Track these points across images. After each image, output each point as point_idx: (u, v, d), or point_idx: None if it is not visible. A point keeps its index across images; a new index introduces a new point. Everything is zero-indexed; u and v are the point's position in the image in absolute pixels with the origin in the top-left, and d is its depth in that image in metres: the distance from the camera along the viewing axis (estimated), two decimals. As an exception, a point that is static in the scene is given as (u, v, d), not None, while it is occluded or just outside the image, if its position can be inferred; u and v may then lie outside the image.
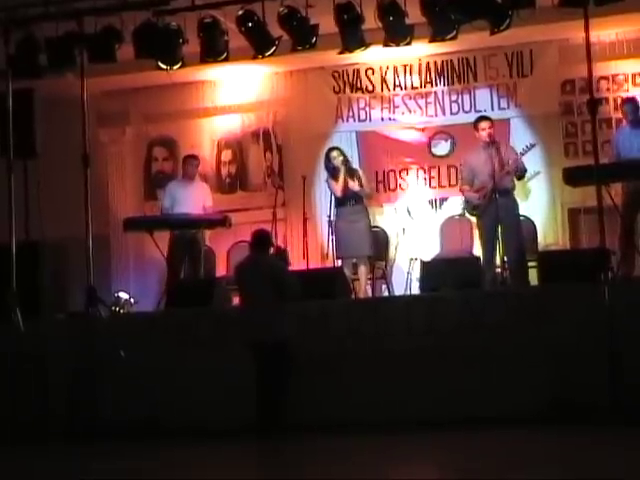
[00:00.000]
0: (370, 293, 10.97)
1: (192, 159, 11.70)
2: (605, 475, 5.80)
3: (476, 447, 7.40)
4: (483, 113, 11.35)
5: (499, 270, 10.02)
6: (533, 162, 11.47)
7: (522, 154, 10.22)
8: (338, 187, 10.75)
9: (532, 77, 12.16)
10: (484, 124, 10.24)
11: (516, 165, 10.07)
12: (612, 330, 8.08)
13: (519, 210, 10.42)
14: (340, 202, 10.79)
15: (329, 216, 11.00)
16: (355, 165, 11.37)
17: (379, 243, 11.59)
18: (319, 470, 6.79)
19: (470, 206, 10.34)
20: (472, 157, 10.33)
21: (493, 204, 9.94)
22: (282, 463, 7.49)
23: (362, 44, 9.92)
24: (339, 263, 10.80)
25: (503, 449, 7.22)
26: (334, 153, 10.94)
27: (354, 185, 10.74)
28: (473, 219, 11.24)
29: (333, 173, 10.84)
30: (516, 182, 10.31)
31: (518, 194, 10.58)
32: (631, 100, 10.51)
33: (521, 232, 10.31)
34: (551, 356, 8.35)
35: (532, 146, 10.41)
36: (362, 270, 10.74)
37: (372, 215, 11.31)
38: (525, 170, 10.30)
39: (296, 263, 11.38)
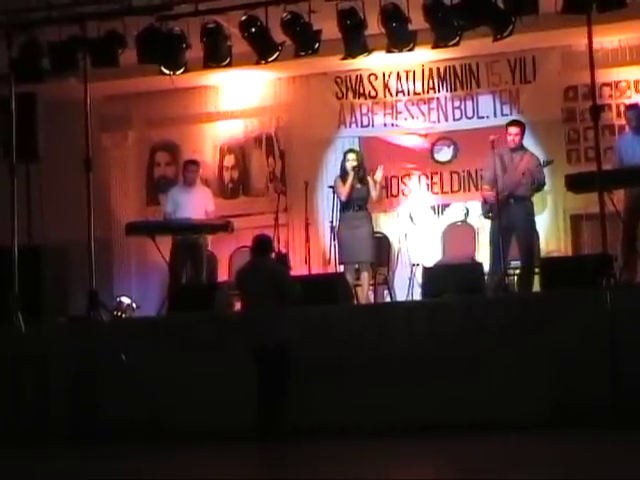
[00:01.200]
0: (372, 299, 10.96)
1: (190, 165, 11.68)
2: (606, 478, 5.80)
3: (478, 452, 7.40)
4: (492, 119, 11.35)
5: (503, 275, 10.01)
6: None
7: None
8: (344, 190, 10.71)
9: (535, 83, 12.16)
10: (512, 129, 10.23)
11: (533, 177, 10.04)
12: (614, 336, 8.07)
13: (534, 219, 10.39)
14: (344, 207, 10.77)
15: (331, 222, 11.00)
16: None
17: (381, 249, 11.58)
18: (319, 473, 6.79)
19: (485, 210, 10.31)
20: (495, 159, 10.25)
21: (506, 210, 9.93)
22: (282, 466, 7.49)
23: (365, 50, 9.93)
24: (341, 269, 10.79)
25: (505, 453, 7.22)
26: (350, 156, 10.89)
27: (361, 188, 10.70)
28: (475, 225, 11.26)
29: (343, 175, 10.81)
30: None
31: (536, 203, 10.54)
32: (635, 106, 10.49)
33: (532, 241, 10.29)
34: (553, 361, 8.34)
35: (549, 163, 10.41)
36: (364, 276, 10.71)
37: (375, 221, 11.30)
38: (543, 183, 10.31)
39: (298, 268, 11.39)
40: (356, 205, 10.74)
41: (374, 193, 10.80)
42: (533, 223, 10.41)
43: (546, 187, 11.55)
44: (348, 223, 10.72)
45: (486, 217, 10.43)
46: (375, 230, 11.64)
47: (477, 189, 11.67)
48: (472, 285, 9.29)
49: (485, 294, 9.43)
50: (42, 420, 9.09)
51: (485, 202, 10.35)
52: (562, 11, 9.01)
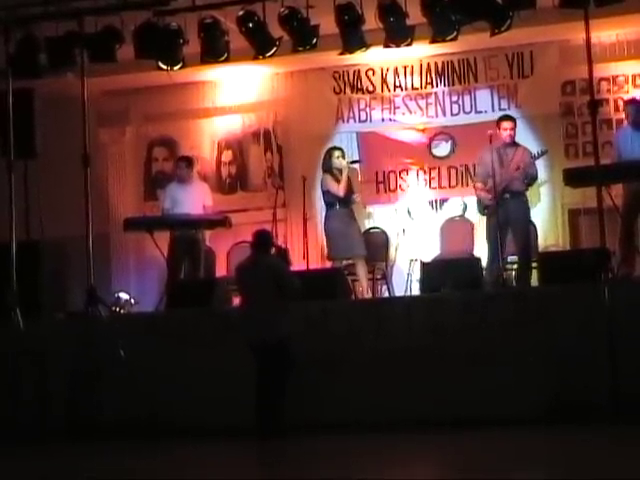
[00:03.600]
0: (370, 294, 10.96)
1: (180, 161, 11.64)
2: (606, 475, 5.80)
3: (478, 447, 7.41)
4: (490, 114, 11.37)
5: (501, 271, 10.02)
6: (540, 169, 11.44)
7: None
8: (340, 187, 10.75)
9: (532, 78, 12.15)
10: (507, 124, 10.22)
11: (527, 171, 10.06)
12: (612, 330, 8.08)
13: (530, 213, 10.40)
14: (332, 203, 10.80)
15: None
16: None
17: (379, 244, 11.60)
18: (319, 470, 6.79)
19: (482, 205, 10.32)
20: (488, 155, 10.26)
21: (502, 205, 9.94)
22: (282, 463, 7.50)
23: (363, 45, 9.92)
24: (331, 264, 10.83)
25: (504, 449, 7.22)
26: (337, 153, 10.95)
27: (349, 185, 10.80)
28: (473, 220, 11.27)
29: (334, 173, 10.83)
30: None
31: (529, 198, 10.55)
32: (634, 101, 10.46)
33: (529, 235, 10.29)
34: (551, 356, 8.35)
35: (544, 153, 10.42)
36: (361, 271, 10.72)
37: (372, 215, 11.32)
38: (535, 178, 10.32)
39: (296, 263, 11.36)
40: (346, 201, 10.78)
41: (357, 197, 10.88)
42: (529, 217, 10.42)
43: (544, 181, 11.61)
44: (340, 219, 10.76)
45: (482, 214, 10.44)
46: (373, 225, 11.65)
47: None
48: (470, 280, 9.30)
49: (484, 289, 9.43)
50: (41, 416, 9.09)
51: (480, 201, 10.37)
52: (560, 5, 9.02)
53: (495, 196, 9.96)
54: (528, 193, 10.38)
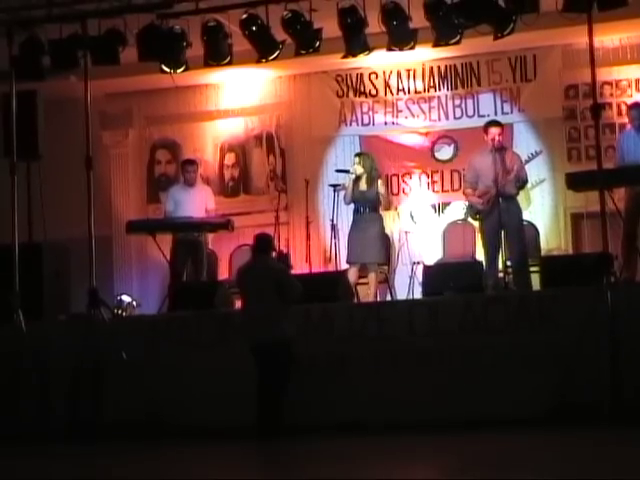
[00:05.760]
0: (377, 299, 10.94)
1: (188, 165, 11.61)
2: (607, 476, 5.80)
3: (478, 448, 7.40)
4: (493, 117, 11.36)
5: (501, 275, 10.02)
6: (537, 169, 11.48)
7: (527, 161, 10.23)
8: (347, 194, 10.76)
9: (535, 82, 12.16)
10: (494, 129, 10.16)
11: (517, 174, 10.04)
12: (614, 334, 8.08)
13: (522, 215, 10.41)
14: (354, 209, 10.78)
15: (332, 220, 11.03)
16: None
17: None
18: (320, 470, 6.79)
19: (473, 210, 10.32)
20: (477, 160, 10.26)
21: (496, 209, 9.93)
22: (283, 463, 7.49)
23: (365, 48, 9.93)
24: (346, 266, 10.79)
25: (505, 450, 7.21)
26: (356, 159, 10.92)
27: (369, 190, 10.71)
28: (476, 224, 11.25)
29: (352, 178, 10.80)
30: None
31: (520, 201, 10.55)
32: (639, 105, 10.46)
33: (524, 237, 10.29)
34: (553, 360, 8.34)
35: (538, 153, 10.42)
36: (372, 276, 10.70)
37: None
38: (525, 181, 10.29)
39: (299, 267, 11.40)
40: (365, 207, 10.74)
41: (382, 199, 10.82)
42: (522, 219, 10.39)
43: (543, 179, 11.62)
44: (358, 225, 10.73)
45: (474, 219, 10.43)
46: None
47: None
48: (472, 283, 9.31)
49: (485, 292, 9.43)
50: (43, 418, 9.08)
51: (471, 206, 10.36)
52: (563, 10, 9.01)
53: (489, 201, 9.94)
54: (519, 197, 10.36)
